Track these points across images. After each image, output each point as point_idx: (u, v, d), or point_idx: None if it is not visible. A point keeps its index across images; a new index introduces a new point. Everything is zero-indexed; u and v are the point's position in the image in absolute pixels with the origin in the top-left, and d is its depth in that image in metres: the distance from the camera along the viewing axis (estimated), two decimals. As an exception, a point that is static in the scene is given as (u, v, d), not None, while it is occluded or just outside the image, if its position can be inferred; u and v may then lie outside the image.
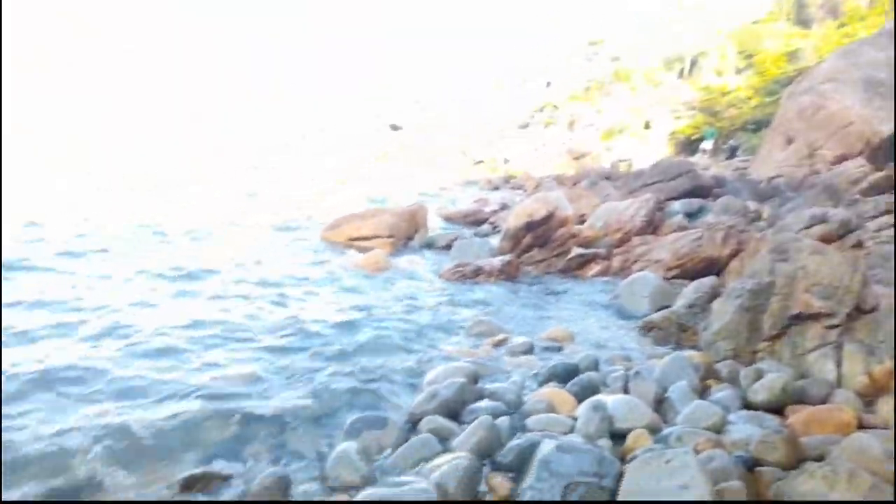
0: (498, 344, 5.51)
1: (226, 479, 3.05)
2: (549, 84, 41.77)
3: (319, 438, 3.64)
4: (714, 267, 7.90)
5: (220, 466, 3.18)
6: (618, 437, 3.53)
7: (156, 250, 7.05)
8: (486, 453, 3.30)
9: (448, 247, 9.67)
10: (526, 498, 2.65)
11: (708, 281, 6.53)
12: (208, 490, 2.92)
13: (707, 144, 26.02)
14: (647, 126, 31.77)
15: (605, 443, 3.36)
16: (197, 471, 3.02)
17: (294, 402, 4.06)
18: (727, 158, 22.94)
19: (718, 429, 3.55)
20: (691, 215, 11.19)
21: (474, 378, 4.40)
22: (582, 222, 10.36)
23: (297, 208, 12.45)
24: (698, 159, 23.00)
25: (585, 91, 38.47)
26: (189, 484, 2.90)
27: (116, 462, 3.11)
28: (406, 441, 3.49)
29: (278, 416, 3.85)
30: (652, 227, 9.94)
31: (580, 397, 4.11)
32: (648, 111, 32.94)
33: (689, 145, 28.10)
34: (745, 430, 3.53)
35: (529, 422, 3.74)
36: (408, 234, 10.00)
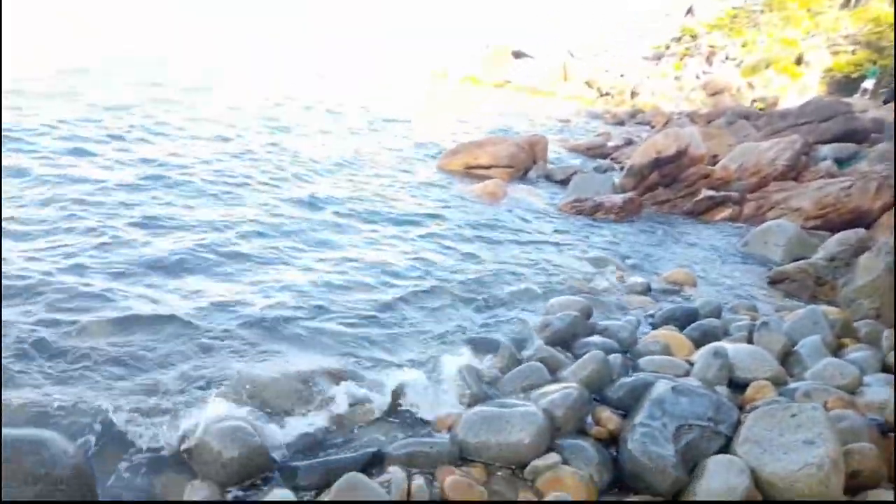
0: (614, 282, 5.39)
1: (350, 379, 3.25)
2: (690, 11, 38.50)
3: (433, 351, 3.78)
4: (862, 220, 7.19)
5: (340, 367, 3.40)
6: (738, 386, 3.39)
7: (292, 184, 7.40)
8: (595, 387, 3.30)
9: (566, 180, 9.44)
10: (636, 435, 2.63)
11: (854, 234, 5.96)
12: (336, 387, 3.13)
13: (868, 84, 23.16)
14: (798, 61, 28.67)
15: (723, 390, 3.24)
16: (329, 367, 3.26)
17: (413, 320, 4.24)
18: (885, 102, 20.37)
19: (852, 389, 3.32)
20: (841, 162, 10.14)
21: (588, 313, 4.35)
22: (715, 163, 9.71)
23: (417, 136, 12.56)
24: (856, 100, 20.60)
25: (732, 19, 35.15)
26: (314, 377, 3.13)
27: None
28: (517, 366, 3.55)
29: (397, 335, 4.04)
30: (794, 172, 9.14)
31: (698, 343, 3.97)
32: (802, 44, 29.65)
33: (847, 85, 25.15)
34: (882, 393, 3.27)
35: (642, 362, 3.67)
36: (526, 165, 9.84)
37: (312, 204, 6.57)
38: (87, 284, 3.92)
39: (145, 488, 2.41)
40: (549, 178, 9.85)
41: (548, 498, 2.28)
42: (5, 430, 2.17)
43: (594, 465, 2.67)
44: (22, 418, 2.61)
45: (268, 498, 2.33)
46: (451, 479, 2.45)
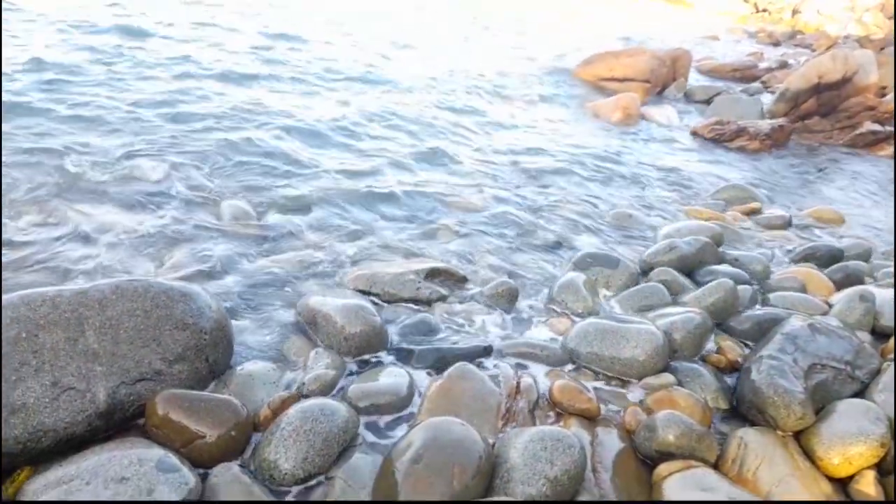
0: (750, 213, 5.01)
1: (462, 279, 3.29)
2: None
3: (548, 263, 3.75)
4: None
5: (458, 266, 3.44)
6: (881, 336, 3.11)
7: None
8: (720, 316, 3.14)
9: (708, 101, 8.73)
10: (763, 366, 2.48)
11: None
12: (447, 283, 3.20)
13: None
14: None
15: (865, 336, 2.97)
16: (439, 265, 3.30)
17: (531, 227, 4.20)
18: None
19: None
20: None
21: (718, 240, 4.09)
22: (883, 95, 8.56)
23: (546, 45, 11.98)
24: None
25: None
26: (433, 273, 3.19)
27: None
28: (635, 285, 3.44)
29: (514, 236, 4.02)
30: (982, 110, 7.88)
31: (841, 285, 3.64)
32: None
33: None
34: None
35: (774, 297, 3.43)
36: (665, 82, 9.16)
37: (453, 109, 6.52)
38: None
39: (275, 347, 2.60)
40: (688, 97, 9.15)
41: (659, 415, 2.23)
42: (161, 280, 2.40)
43: (711, 390, 2.57)
44: (172, 277, 2.87)
45: (383, 373, 2.45)
46: (561, 382, 2.46)
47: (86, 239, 3.19)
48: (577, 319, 3.05)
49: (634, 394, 2.57)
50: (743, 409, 2.47)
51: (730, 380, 2.71)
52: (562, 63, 10.04)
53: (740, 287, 3.38)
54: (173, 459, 1.81)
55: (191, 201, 3.74)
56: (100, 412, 1.95)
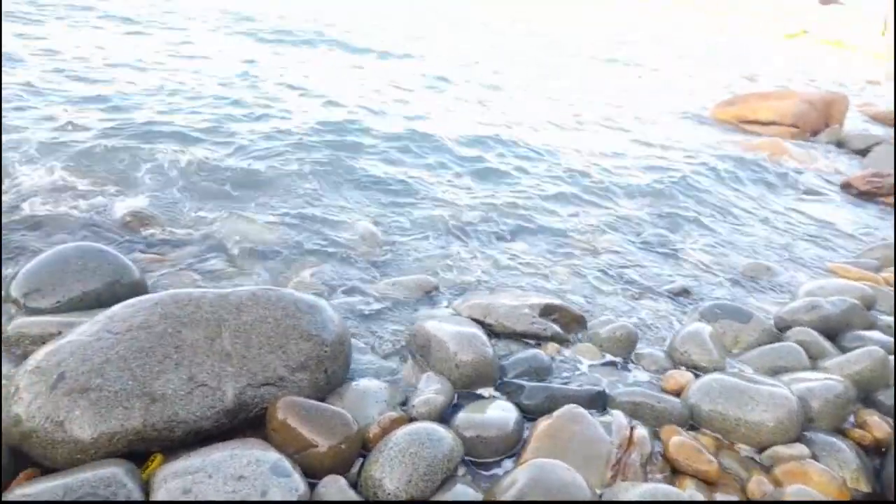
0: (909, 275, 4.50)
1: (578, 318, 3.22)
2: None
3: (671, 310, 3.58)
4: None
5: (574, 305, 3.37)
6: None
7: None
8: (865, 387, 2.83)
9: (865, 151, 8.00)
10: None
11: None
12: (562, 321, 3.13)
13: None
14: None
15: None
16: (555, 301, 3.25)
17: (655, 271, 4.04)
18: None
19: None
20: None
21: (868, 303, 3.70)
22: None
23: (689, 84, 11.58)
24: None
25: None
26: (548, 310, 3.14)
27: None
28: (768, 343, 3.19)
29: (636, 279, 3.89)
30: None
31: None
32: None
33: None
34: None
35: (935, 373, 3.04)
36: (815, 127, 8.52)
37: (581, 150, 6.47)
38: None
39: (388, 367, 2.67)
40: (842, 145, 8.44)
41: (788, 489, 2.03)
42: (292, 291, 2.55)
43: (850, 468, 2.31)
44: (301, 289, 3.04)
45: (491, 405, 2.43)
46: (678, 440, 2.31)
47: (230, 247, 3.46)
48: (699, 374, 2.86)
49: (761, 462, 2.37)
50: (888, 495, 2.20)
51: (874, 460, 2.42)
52: (697, 103, 9.66)
53: (892, 358, 3.03)
54: (287, 464, 1.89)
55: (325, 219, 3.96)
56: (227, 410, 2.08)
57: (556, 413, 2.37)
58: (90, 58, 6.75)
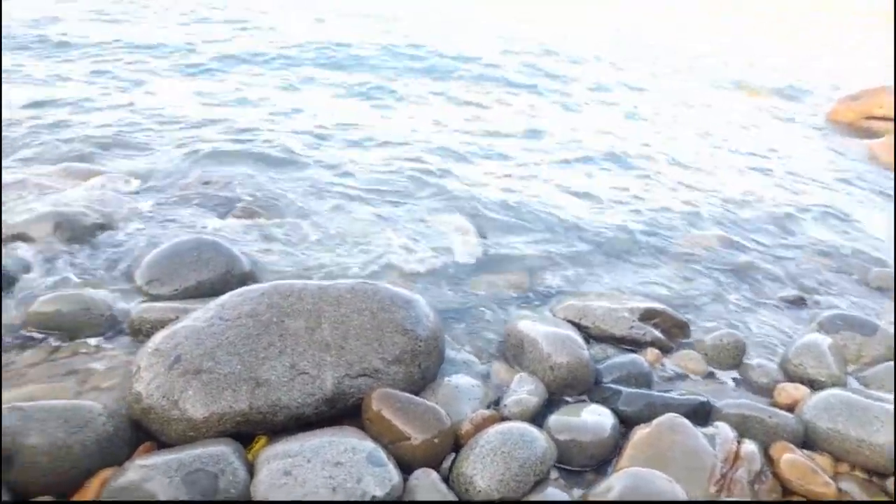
0: None
1: (682, 325, 3.07)
2: None
3: (786, 320, 3.35)
4: None
5: (678, 310, 3.22)
6: None
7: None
8: None
9: None
10: None
11: None
12: (664, 327, 3.00)
13: None
14: None
15: None
16: (657, 305, 3.12)
17: (770, 276, 3.80)
18: None
19: None
20: None
21: None
22: None
23: (806, 75, 10.81)
24: None
25: None
26: (649, 314, 3.02)
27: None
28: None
29: (748, 285, 3.67)
30: None
31: None
32: None
33: None
34: None
35: None
36: (955, 125, 7.69)
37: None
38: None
39: (481, 365, 2.67)
40: None
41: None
42: (388, 285, 2.60)
43: None
44: (399, 283, 3.09)
45: (586, 409, 2.37)
46: (791, 458, 2.15)
47: (331, 240, 3.58)
48: (815, 389, 2.65)
49: (886, 489, 2.16)
50: None
51: None
52: (820, 97, 8.99)
53: None
54: (382, 454, 1.92)
55: (420, 217, 4.01)
56: (326, 398, 2.15)
57: (655, 421, 2.27)
58: (196, 45, 7.22)
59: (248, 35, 8.79)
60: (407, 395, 2.20)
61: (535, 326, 2.78)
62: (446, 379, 2.46)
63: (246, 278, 3.07)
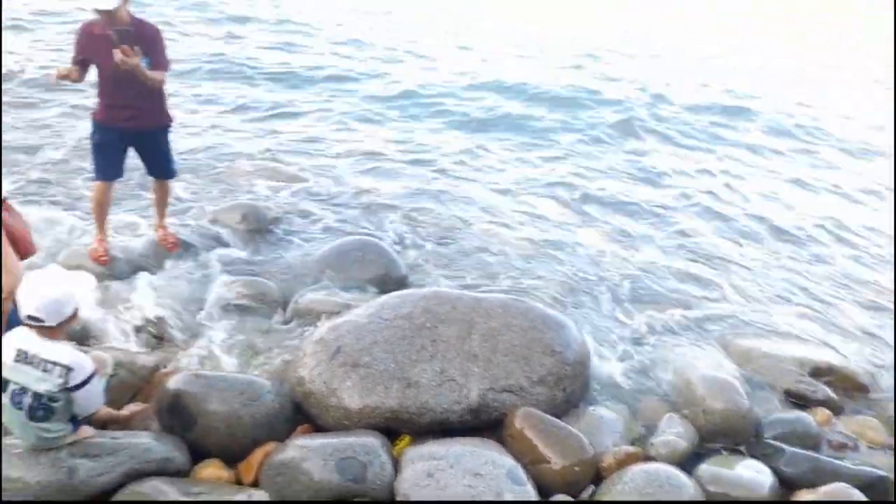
0: None
1: (861, 387, 2.76)
2: None
3: None
4: None
5: (857, 368, 2.89)
6: None
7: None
8: None
9: None
10: None
11: None
12: (838, 385, 2.71)
13: None
14: None
15: None
16: (833, 360, 2.83)
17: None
18: None
19: None
20: None
21: None
22: None
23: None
24: None
25: None
26: (821, 370, 2.75)
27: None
28: None
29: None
30: None
31: None
32: None
33: None
34: None
35: None
36: None
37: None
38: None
39: (629, 398, 2.57)
40: None
41: None
42: (540, 305, 2.60)
43: None
44: (547, 303, 3.07)
45: (741, 463, 2.20)
46: None
47: (486, 252, 3.63)
48: None
49: None
50: None
51: None
52: None
53: None
54: (521, 473, 1.92)
55: (571, 243, 3.95)
56: (471, 408, 2.19)
57: (822, 489, 2.06)
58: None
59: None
60: (551, 417, 2.18)
61: (690, 364, 2.64)
62: (591, 408, 2.41)
63: (402, 281, 3.22)
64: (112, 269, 2.91)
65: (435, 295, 2.53)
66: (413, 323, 2.38)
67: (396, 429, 2.16)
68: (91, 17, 2.66)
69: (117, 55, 2.50)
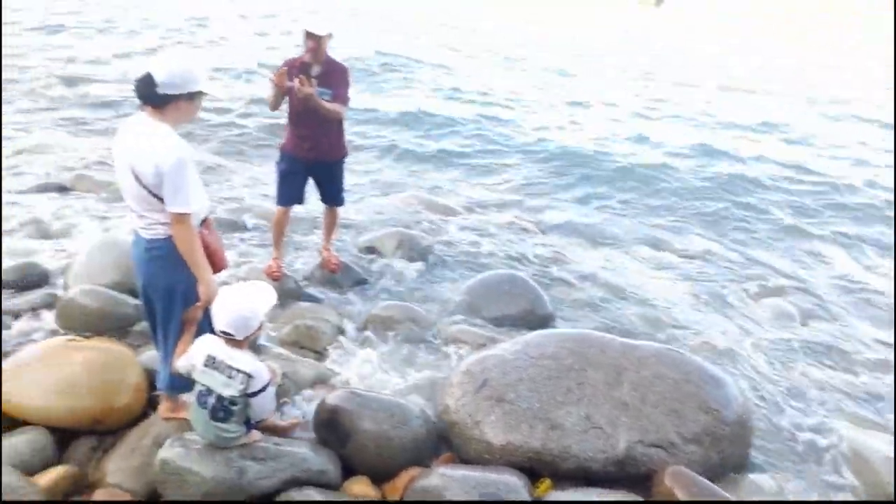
0: None
1: None
2: None
3: None
4: None
5: None
6: None
7: None
8: None
9: None
10: None
11: None
12: None
13: None
14: None
15: None
16: None
17: None
18: None
19: None
20: None
21: None
22: None
23: None
24: None
25: None
26: None
27: None
28: None
29: None
30: None
31: None
32: None
33: None
34: None
35: None
36: None
37: None
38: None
39: (795, 476, 2.32)
40: None
41: None
42: (697, 357, 2.46)
43: None
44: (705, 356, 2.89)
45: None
46: None
47: (635, 297, 3.52)
48: None
49: None
50: None
51: None
52: None
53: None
54: (670, 537, 1.81)
55: (730, 296, 3.71)
56: (616, 459, 2.11)
57: None
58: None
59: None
60: (704, 480, 2.03)
61: (868, 442, 2.35)
62: (750, 475, 2.22)
63: (548, 319, 3.19)
64: (282, 285, 3.18)
65: (583, 337, 2.49)
66: (560, 363, 2.35)
67: (537, 470, 2.12)
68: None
69: (295, 82, 2.74)
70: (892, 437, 2.35)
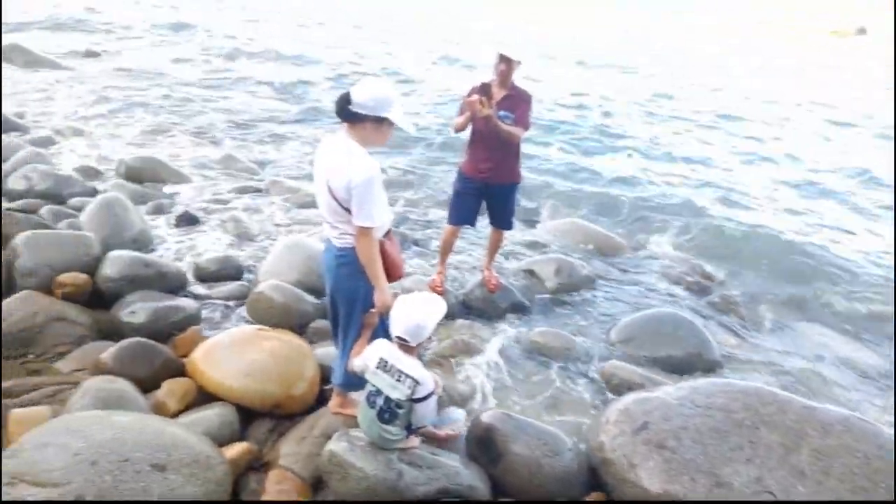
0: None
1: None
2: None
3: None
4: None
5: None
6: None
7: None
8: None
9: None
10: None
11: None
12: None
13: None
14: None
15: None
16: None
17: None
18: None
19: None
20: None
21: None
22: None
23: None
24: None
25: None
26: None
27: None
28: None
29: None
30: None
31: None
32: None
33: None
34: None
35: None
36: None
37: None
38: None
39: None
40: None
41: None
42: (881, 426, 2.17)
43: None
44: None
45: None
46: None
47: (813, 354, 3.19)
48: None
49: None
50: None
51: None
52: None
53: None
54: None
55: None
56: (787, 532, 1.92)
57: None
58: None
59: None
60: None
61: None
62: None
63: (714, 365, 2.99)
64: (444, 300, 3.28)
65: (757, 392, 2.30)
66: (730, 417, 2.19)
67: (698, 529, 1.99)
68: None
69: (475, 101, 2.80)
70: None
